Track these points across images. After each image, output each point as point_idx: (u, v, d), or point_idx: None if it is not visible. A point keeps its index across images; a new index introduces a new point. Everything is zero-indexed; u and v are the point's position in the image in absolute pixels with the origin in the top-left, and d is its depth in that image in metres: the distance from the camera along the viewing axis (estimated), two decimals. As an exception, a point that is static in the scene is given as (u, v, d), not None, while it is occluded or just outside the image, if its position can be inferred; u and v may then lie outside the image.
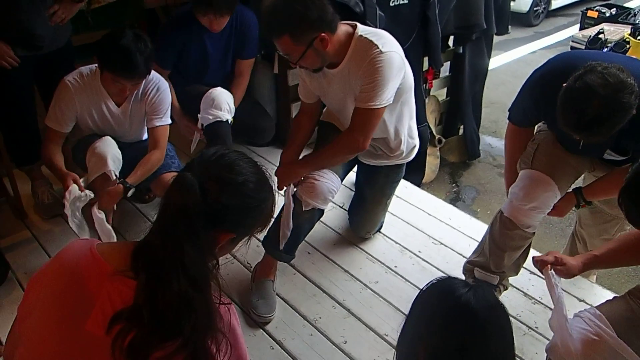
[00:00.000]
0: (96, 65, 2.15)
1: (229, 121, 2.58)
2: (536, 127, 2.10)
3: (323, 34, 1.82)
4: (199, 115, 2.59)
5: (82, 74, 2.19)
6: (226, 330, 1.00)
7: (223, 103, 2.56)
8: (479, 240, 2.10)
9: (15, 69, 2.25)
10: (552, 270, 1.61)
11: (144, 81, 2.21)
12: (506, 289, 2.17)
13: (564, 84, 1.59)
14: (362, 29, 1.92)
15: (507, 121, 2.06)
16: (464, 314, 1.00)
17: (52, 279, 1.02)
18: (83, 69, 2.21)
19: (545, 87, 1.77)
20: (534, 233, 2.00)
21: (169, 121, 2.34)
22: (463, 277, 2.13)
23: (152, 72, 2.22)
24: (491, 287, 2.09)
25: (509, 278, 2.18)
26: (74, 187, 2.06)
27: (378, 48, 1.86)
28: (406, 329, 1.08)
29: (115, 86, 2.12)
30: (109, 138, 2.22)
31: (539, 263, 1.65)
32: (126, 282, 0.94)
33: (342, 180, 2.21)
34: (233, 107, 2.62)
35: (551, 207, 1.92)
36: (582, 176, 2.12)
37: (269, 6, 1.81)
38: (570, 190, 1.98)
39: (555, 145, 1.93)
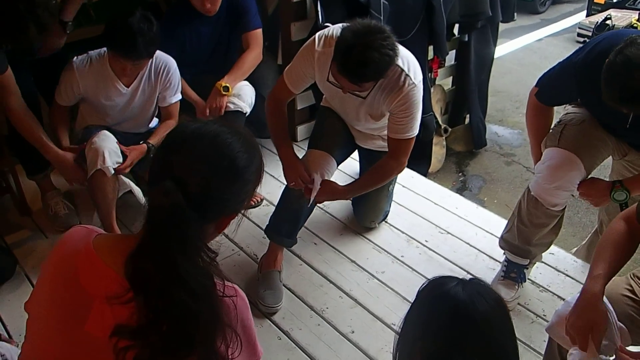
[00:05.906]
0: (105, 49, 2.20)
1: (246, 114, 2.59)
2: (564, 107, 2.09)
3: None
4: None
5: (90, 57, 2.24)
6: (235, 322, 0.97)
7: (247, 96, 2.57)
8: (487, 229, 2.09)
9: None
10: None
11: (151, 62, 2.25)
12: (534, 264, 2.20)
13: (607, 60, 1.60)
14: None
15: (533, 98, 2.02)
16: (451, 306, 0.96)
17: (52, 275, 0.99)
18: (92, 52, 2.25)
19: (590, 69, 1.75)
20: (562, 210, 1.98)
21: (180, 97, 2.42)
22: (478, 263, 2.11)
23: (158, 52, 2.25)
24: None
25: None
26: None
27: (411, 79, 1.90)
28: (404, 329, 1.04)
29: (116, 64, 2.17)
30: (106, 132, 2.23)
31: None
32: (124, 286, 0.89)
33: (339, 164, 2.25)
34: (253, 103, 2.62)
35: (576, 186, 1.92)
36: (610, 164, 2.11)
37: (362, 57, 1.70)
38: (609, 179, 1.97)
39: (583, 125, 1.93)
